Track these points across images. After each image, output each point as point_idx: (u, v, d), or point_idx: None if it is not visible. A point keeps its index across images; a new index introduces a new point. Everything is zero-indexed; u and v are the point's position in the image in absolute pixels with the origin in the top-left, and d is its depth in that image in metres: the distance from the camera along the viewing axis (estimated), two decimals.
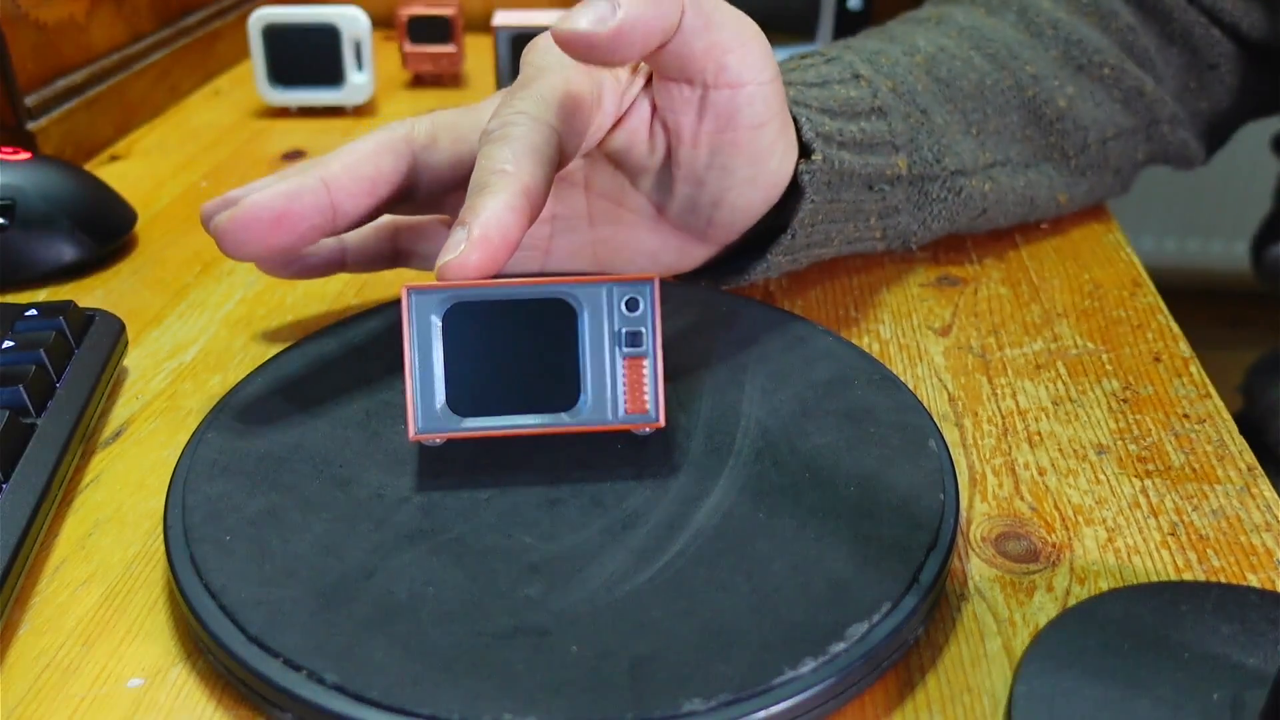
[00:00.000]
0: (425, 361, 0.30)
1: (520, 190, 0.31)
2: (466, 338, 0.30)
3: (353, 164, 0.35)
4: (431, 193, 0.37)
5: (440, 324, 0.30)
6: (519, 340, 0.30)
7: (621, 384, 0.30)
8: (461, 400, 0.30)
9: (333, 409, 0.34)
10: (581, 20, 0.30)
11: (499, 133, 0.32)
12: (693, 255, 0.41)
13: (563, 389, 0.30)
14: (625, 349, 0.30)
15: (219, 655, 0.26)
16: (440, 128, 0.37)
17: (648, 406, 0.30)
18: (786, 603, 0.27)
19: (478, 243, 0.30)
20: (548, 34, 0.35)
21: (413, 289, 0.30)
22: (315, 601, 0.27)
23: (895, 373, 0.36)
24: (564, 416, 0.30)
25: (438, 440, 0.31)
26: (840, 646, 0.25)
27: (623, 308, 0.30)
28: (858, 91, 0.42)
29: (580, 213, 0.40)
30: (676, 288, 0.41)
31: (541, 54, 0.35)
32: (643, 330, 0.30)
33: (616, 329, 0.30)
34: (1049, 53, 0.48)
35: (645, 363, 0.30)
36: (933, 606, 0.28)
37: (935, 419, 0.33)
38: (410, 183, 0.36)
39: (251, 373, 0.36)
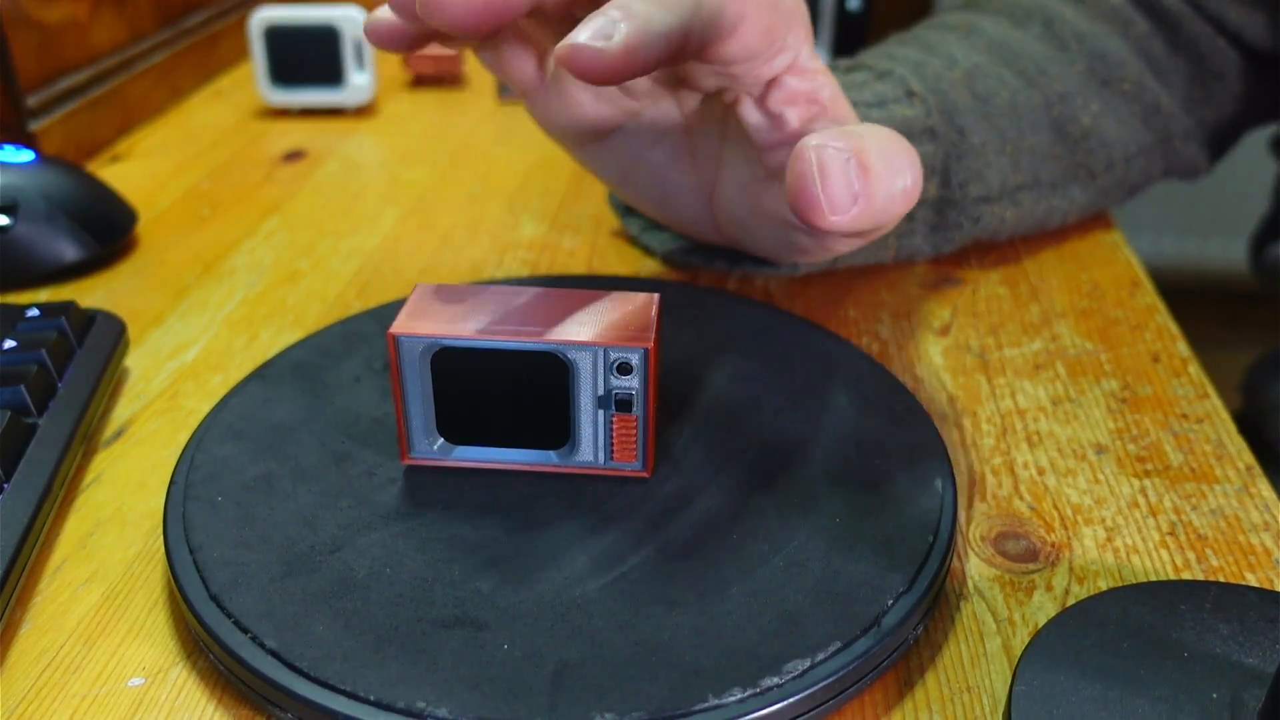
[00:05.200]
0: (415, 396, 0.30)
1: (676, 29, 0.28)
2: (458, 376, 0.30)
3: None
4: None
5: (429, 367, 0.30)
6: (509, 383, 0.30)
7: (610, 436, 0.30)
8: (453, 431, 0.31)
9: (354, 386, 0.35)
10: (581, 34, 0.27)
11: None
12: (706, 235, 0.42)
13: (552, 429, 0.30)
14: (615, 411, 0.30)
15: (181, 607, 0.27)
16: None
17: (635, 459, 0.30)
18: (732, 629, 0.26)
19: (624, 42, 0.26)
20: None
21: (399, 336, 0.29)
22: (279, 569, 0.28)
23: (901, 379, 0.36)
24: (553, 456, 0.31)
25: (430, 464, 0.31)
26: (773, 681, 0.24)
27: (614, 371, 0.29)
28: (913, 111, 0.42)
29: (649, 130, 0.39)
30: (719, 296, 0.41)
31: None
32: (633, 396, 0.29)
33: (608, 390, 0.29)
34: (1074, 66, 0.48)
35: (635, 421, 0.30)
36: (927, 612, 0.28)
37: (950, 459, 0.32)
38: None
39: (291, 345, 0.37)
